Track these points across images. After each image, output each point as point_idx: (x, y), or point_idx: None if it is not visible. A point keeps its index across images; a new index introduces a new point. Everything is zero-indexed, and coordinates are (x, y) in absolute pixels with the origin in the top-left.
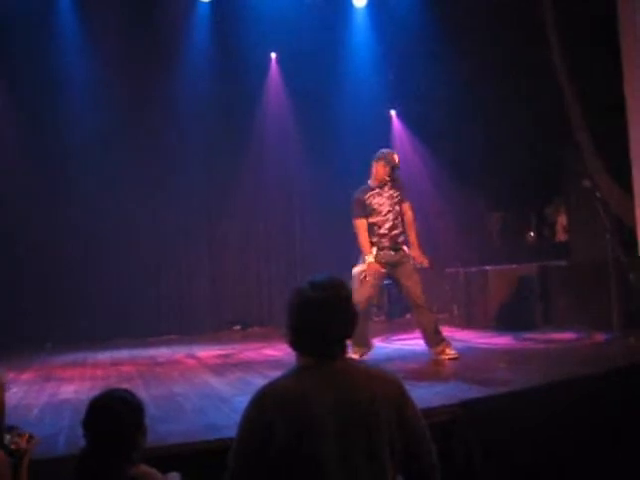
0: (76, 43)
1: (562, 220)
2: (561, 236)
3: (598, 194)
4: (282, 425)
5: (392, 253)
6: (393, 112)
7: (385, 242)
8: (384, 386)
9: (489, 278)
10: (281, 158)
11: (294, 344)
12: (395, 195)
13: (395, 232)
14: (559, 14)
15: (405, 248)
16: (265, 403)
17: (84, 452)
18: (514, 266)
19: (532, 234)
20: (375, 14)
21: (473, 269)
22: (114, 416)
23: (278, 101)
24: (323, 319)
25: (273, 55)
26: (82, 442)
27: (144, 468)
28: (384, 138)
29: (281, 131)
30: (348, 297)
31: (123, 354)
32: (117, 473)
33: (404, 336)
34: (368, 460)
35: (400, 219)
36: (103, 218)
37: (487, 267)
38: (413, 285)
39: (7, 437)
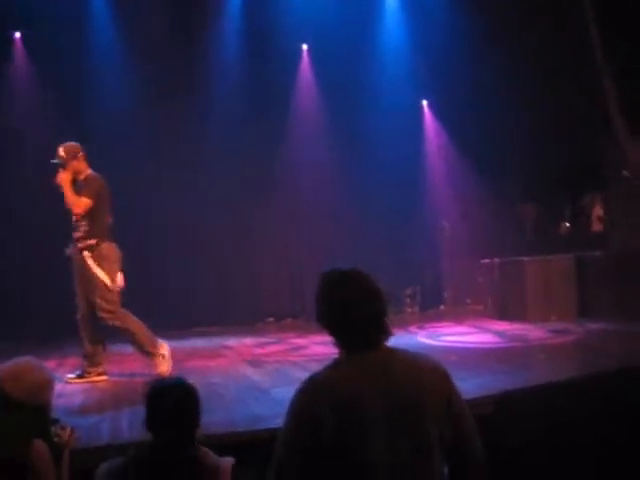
0: (108, 30)
1: (597, 211)
2: (596, 227)
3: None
4: (330, 416)
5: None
6: (425, 102)
7: None
8: (432, 376)
9: (525, 269)
10: (312, 149)
11: (334, 334)
12: None
13: None
14: (597, 5)
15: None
16: (312, 394)
17: (156, 437)
18: (550, 257)
19: (567, 225)
20: (407, 3)
21: (508, 260)
22: (187, 394)
23: (309, 92)
24: (355, 304)
25: (304, 46)
26: (126, 430)
27: (204, 449)
28: (415, 128)
29: (312, 122)
30: (377, 285)
31: None
32: (185, 454)
33: (437, 327)
34: (415, 452)
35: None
36: (136, 207)
37: (523, 258)
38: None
39: (51, 429)
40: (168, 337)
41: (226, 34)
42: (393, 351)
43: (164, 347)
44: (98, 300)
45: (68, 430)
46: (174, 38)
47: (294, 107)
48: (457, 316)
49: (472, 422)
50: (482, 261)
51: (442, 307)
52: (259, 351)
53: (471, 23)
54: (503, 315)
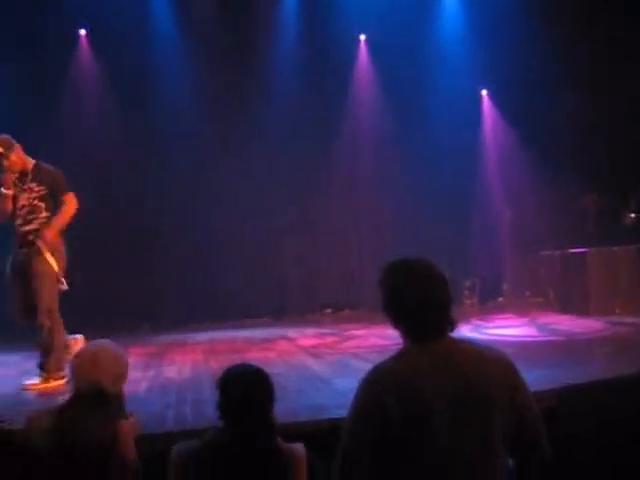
0: (169, 26)
1: None
2: None
3: None
4: (395, 406)
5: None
6: (484, 92)
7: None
8: (498, 367)
9: (587, 260)
10: (369, 140)
11: (399, 323)
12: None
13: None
14: None
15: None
16: (378, 384)
17: (229, 424)
18: (614, 248)
19: (632, 216)
20: None
21: (570, 252)
22: (260, 382)
23: (367, 83)
24: (422, 293)
25: (362, 37)
26: (190, 418)
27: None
28: (474, 117)
29: (369, 113)
30: (443, 274)
31: (219, 335)
32: (262, 442)
33: (496, 320)
34: (480, 442)
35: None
36: (199, 200)
37: (585, 249)
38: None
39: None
40: (227, 327)
41: (284, 26)
42: (458, 342)
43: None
44: (45, 291)
45: (131, 416)
46: (233, 32)
47: (351, 98)
48: (516, 308)
49: (538, 414)
50: (542, 252)
51: (501, 299)
52: (318, 342)
53: (532, 12)
54: (565, 308)
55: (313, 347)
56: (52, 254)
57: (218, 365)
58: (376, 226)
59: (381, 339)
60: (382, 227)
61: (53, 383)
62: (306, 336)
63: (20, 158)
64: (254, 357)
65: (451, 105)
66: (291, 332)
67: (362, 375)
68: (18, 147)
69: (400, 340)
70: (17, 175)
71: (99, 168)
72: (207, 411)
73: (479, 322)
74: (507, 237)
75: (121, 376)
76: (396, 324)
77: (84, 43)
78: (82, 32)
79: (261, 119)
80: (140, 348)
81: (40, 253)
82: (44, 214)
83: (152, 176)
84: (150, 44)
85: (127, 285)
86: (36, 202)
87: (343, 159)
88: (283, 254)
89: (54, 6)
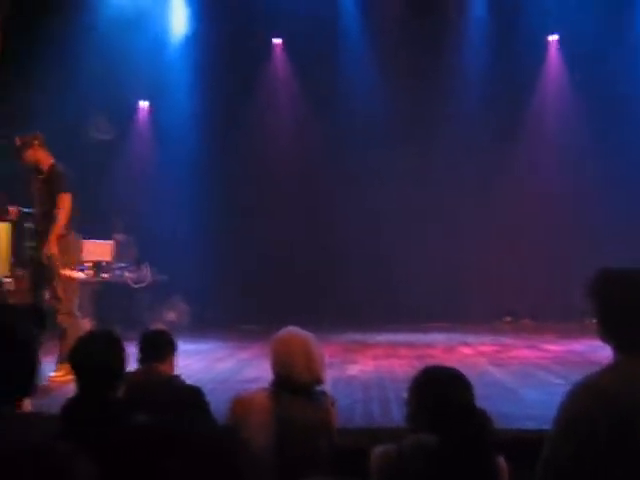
0: (357, 31)
1: None
2: None
3: None
4: (605, 421)
5: None
6: None
7: None
8: None
9: None
10: (560, 143)
11: (610, 335)
12: None
13: None
14: None
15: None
16: (586, 398)
17: (443, 430)
18: None
19: None
20: None
21: None
22: (469, 385)
23: (555, 87)
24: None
25: (551, 38)
26: (377, 416)
27: None
28: None
29: (560, 115)
30: None
31: (398, 338)
32: (471, 450)
33: None
34: None
35: None
36: (380, 202)
37: None
38: None
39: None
40: (406, 330)
41: (471, 27)
42: None
43: None
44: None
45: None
46: (421, 36)
47: (541, 99)
48: None
49: None
50: None
51: None
52: (499, 350)
53: None
54: None
55: (493, 354)
56: (63, 256)
57: (400, 366)
58: (560, 234)
59: (562, 349)
60: (566, 235)
61: (59, 375)
62: (485, 343)
63: (33, 156)
64: (436, 360)
65: None
66: (470, 338)
67: (549, 387)
68: (38, 147)
69: (591, 353)
70: (45, 172)
71: (291, 171)
72: (393, 411)
73: None
74: None
75: (316, 362)
76: (607, 335)
77: (278, 52)
78: (277, 41)
79: (447, 122)
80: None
81: (51, 263)
82: (49, 217)
83: (338, 177)
84: (340, 52)
85: (308, 282)
86: (45, 205)
87: (523, 163)
88: (462, 260)
89: (249, 16)
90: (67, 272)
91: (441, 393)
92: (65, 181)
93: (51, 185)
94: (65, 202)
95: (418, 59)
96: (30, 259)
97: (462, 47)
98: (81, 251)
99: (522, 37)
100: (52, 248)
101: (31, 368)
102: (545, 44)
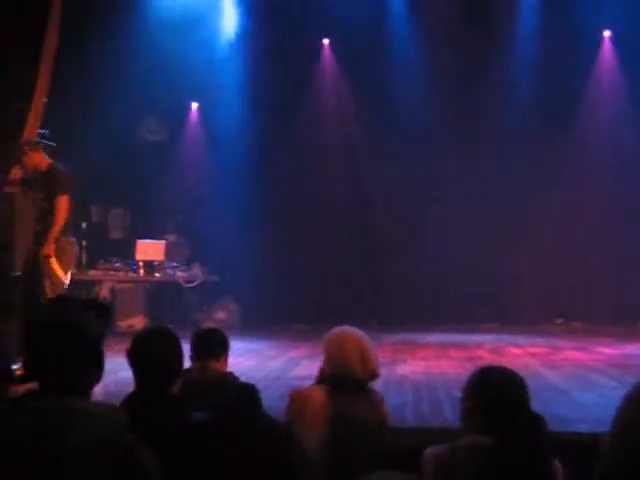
0: (405, 28)
1: None
2: None
3: None
4: None
5: None
6: None
7: None
8: None
9: None
10: (613, 145)
11: None
12: None
13: None
14: None
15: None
16: None
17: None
18: None
19: None
20: None
21: None
22: (523, 388)
23: (608, 81)
24: None
25: (607, 33)
26: (428, 416)
27: None
28: None
29: (614, 117)
30: None
31: (448, 338)
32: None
33: None
34: None
35: None
36: (432, 202)
37: None
38: None
39: None
40: (455, 330)
41: (522, 20)
42: None
43: None
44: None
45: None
46: (469, 26)
47: (594, 97)
48: None
49: None
50: None
51: None
52: (550, 352)
53: None
54: None
55: (545, 356)
56: (57, 259)
57: (451, 367)
58: (607, 234)
59: (618, 353)
60: (613, 236)
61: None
62: (537, 345)
63: (32, 159)
64: (485, 361)
65: None
66: (521, 340)
67: (603, 390)
68: (30, 151)
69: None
70: (31, 173)
71: (340, 170)
72: (445, 411)
73: None
74: None
75: (371, 358)
76: None
77: (327, 51)
78: (326, 41)
79: (497, 121)
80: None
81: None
82: (48, 217)
83: (387, 176)
84: (389, 50)
85: (357, 282)
86: (43, 204)
87: (575, 165)
88: (513, 261)
89: (298, 16)
90: (60, 275)
91: (497, 394)
92: (63, 182)
93: (49, 186)
94: (62, 203)
95: (467, 57)
96: (25, 259)
97: (513, 44)
98: (75, 255)
99: (575, 31)
100: (49, 249)
101: (100, 361)
102: (599, 39)
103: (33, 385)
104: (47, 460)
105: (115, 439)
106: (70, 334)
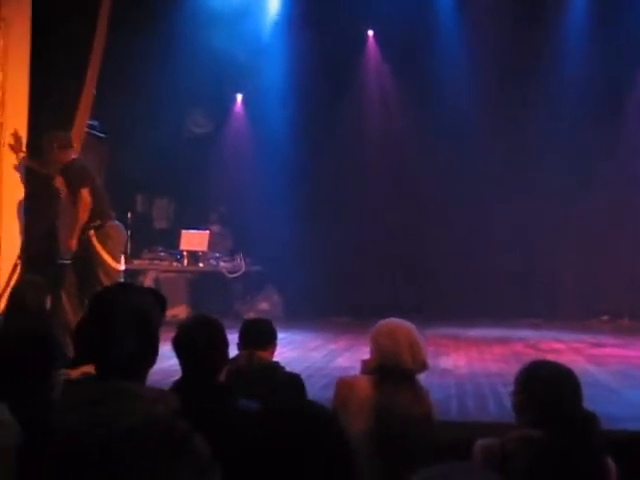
0: (453, 22)
1: None
2: None
3: None
4: None
5: None
6: None
7: None
8: None
9: None
10: None
11: None
12: None
13: None
14: None
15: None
16: None
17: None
18: None
19: None
20: None
21: None
22: (575, 385)
23: None
24: None
25: None
26: (472, 411)
27: None
28: None
29: None
30: None
31: (491, 333)
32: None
33: None
34: None
35: None
36: (472, 199)
37: None
38: None
39: None
40: (499, 325)
41: (571, 20)
42: None
43: None
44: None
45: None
46: (517, 19)
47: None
48: None
49: None
50: None
51: None
52: (597, 348)
53: None
54: None
55: (592, 353)
56: (103, 247)
57: (494, 362)
58: None
59: None
60: None
61: None
62: (582, 341)
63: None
64: (531, 357)
65: None
66: (566, 336)
67: None
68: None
69: None
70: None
71: (384, 163)
72: (490, 405)
73: None
74: None
75: (420, 349)
76: None
77: (372, 44)
78: (370, 33)
79: (547, 115)
80: None
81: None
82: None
83: (433, 169)
84: (434, 44)
85: (400, 276)
86: (69, 198)
87: (621, 165)
88: (561, 258)
89: (344, 8)
90: (111, 263)
91: (551, 390)
92: (84, 177)
93: (72, 180)
94: (84, 197)
95: (514, 51)
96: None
97: (562, 38)
98: (123, 239)
99: (623, 25)
100: (72, 243)
101: (156, 346)
102: None
103: (88, 369)
104: (105, 442)
105: (170, 424)
106: (136, 319)
